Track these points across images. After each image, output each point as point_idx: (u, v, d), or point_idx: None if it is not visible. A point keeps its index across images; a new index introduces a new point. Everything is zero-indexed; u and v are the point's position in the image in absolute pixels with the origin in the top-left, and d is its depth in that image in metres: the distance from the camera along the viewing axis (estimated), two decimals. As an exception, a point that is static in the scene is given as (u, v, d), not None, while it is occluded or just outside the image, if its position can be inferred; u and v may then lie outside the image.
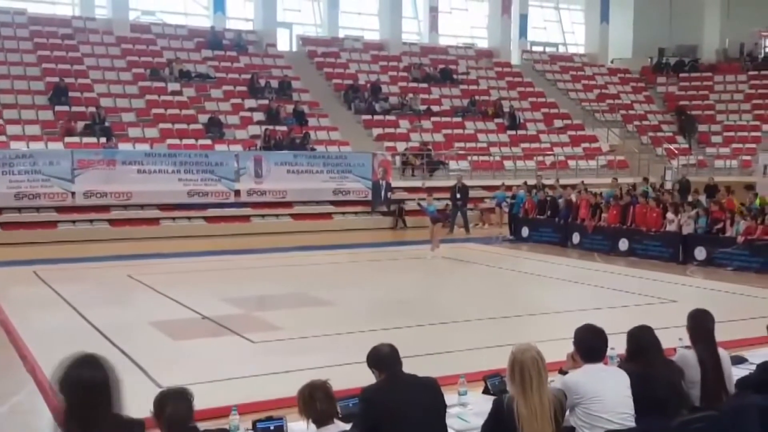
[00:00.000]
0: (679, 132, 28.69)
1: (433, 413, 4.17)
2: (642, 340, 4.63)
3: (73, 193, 18.09)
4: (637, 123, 28.66)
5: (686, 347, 4.97)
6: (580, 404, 4.15)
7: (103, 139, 19.87)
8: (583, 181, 20.80)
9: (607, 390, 4.18)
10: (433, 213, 16.28)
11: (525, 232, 18.58)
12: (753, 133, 27.42)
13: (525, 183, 20.58)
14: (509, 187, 20.84)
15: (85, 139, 19.86)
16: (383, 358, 4.22)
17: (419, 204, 17.82)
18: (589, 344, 4.37)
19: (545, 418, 3.83)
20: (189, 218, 19.19)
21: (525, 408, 3.81)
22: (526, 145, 25.68)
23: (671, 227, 15.32)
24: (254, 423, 4.80)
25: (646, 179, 21.81)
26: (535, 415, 3.81)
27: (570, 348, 4.53)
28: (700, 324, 4.94)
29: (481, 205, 21.92)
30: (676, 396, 4.50)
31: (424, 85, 27.40)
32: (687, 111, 29.07)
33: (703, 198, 17.67)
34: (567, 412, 4.12)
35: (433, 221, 16.10)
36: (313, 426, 3.87)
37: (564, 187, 19.50)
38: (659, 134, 28.08)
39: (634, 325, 4.76)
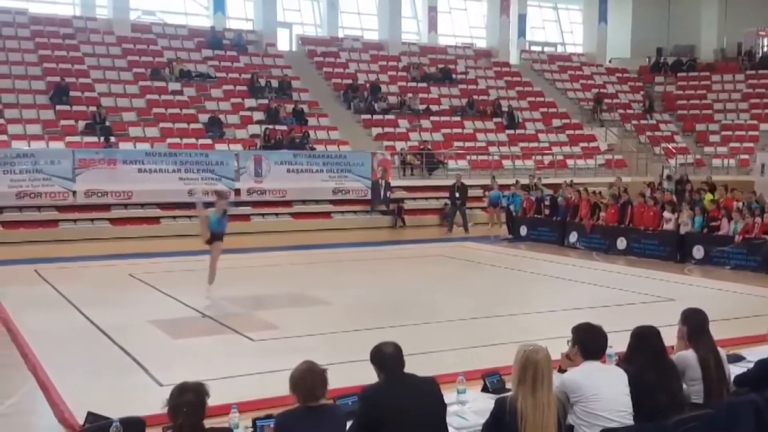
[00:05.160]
0: (646, 109, 28.94)
1: (433, 414, 4.18)
2: (645, 340, 4.67)
3: (74, 192, 18.16)
4: (635, 122, 28.72)
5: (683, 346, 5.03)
6: (578, 402, 4.18)
7: (103, 139, 19.91)
8: (565, 181, 20.63)
9: (606, 388, 4.21)
10: (216, 228, 10.83)
11: (523, 230, 18.64)
12: (750, 132, 27.47)
13: (517, 182, 20.63)
14: (506, 186, 20.85)
15: (86, 139, 19.92)
16: (386, 358, 4.21)
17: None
18: (589, 342, 4.40)
19: (551, 420, 3.86)
20: (189, 217, 19.20)
21: (533, 408, 3.82)
22: (524, 144, 25.73)
23: (669, 226, 15.38)
24: (254, 421, 4.83)
25: (668, 177, 21.81)
26: (542, 416, 3.83)
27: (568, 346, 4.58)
28: (698, 323, 4.99)
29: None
30: (673, 399, 4.53)
31: (423, 84, 27.44)
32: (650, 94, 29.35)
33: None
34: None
35: (210, 239, 10.87)
36: None
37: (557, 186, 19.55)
38: (657, 133, 28.14)
39: (640, 324, 4.80)
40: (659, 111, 30.16)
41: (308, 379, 3.90)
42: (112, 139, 20.00)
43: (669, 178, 22.57)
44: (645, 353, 4.61)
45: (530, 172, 23.02)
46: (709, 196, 17.40)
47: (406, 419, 4.02)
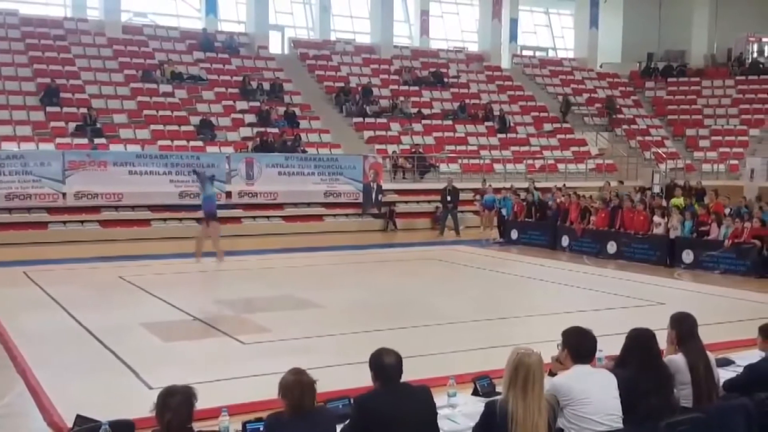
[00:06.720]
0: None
1: (426, 423, 4.18)
2: (641, 342, 4.67)
3: (63, 194, 18.07)
4: (625, 127, 28.87)
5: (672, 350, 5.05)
6: (568, 406, 4.19)
7: (94, 140, 19.82)
8: (555, 185, 20.65)
9: (596, 392, 4.22)
10: (209, 210, 13.05)
11: (514, 234, 18.69)
12: (740, 138, 27.68)
13: (513, 189, 20.65)
14: (497, 190, 20.90)
15: (76, 140, 19.84)
16: (386, 368, 4.14)
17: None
18: (579, 345, 4.41)
19: (541, 423, 3.86)
20: (180, 219, 19.16)
21: (524, 411, 3.82)
22: (516, 148, 25.81)
23: (658, 230, 15.45)
24: (244, 424, 4.82)
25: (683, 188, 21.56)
26: (532, 419, 3.83)
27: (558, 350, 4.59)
28: (687, 327, 5.01)
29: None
30: (666, 402, 4.55)
31: (415, 88, 27.50)
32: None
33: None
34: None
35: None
36: None
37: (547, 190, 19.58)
38: (647, 138, 28.28)
39: (630, 328, 4.81)
40: (650, 116, 30.33)
41: (297, 390, 3.90)
42: (97, 141, 19.87)
43: (638, 189, 21.97)
44: (640, 355, 4.62)
45: (522, 176, 23.08)
46: (676, 201, 17.54)
47: (399, 427, 4.02)
